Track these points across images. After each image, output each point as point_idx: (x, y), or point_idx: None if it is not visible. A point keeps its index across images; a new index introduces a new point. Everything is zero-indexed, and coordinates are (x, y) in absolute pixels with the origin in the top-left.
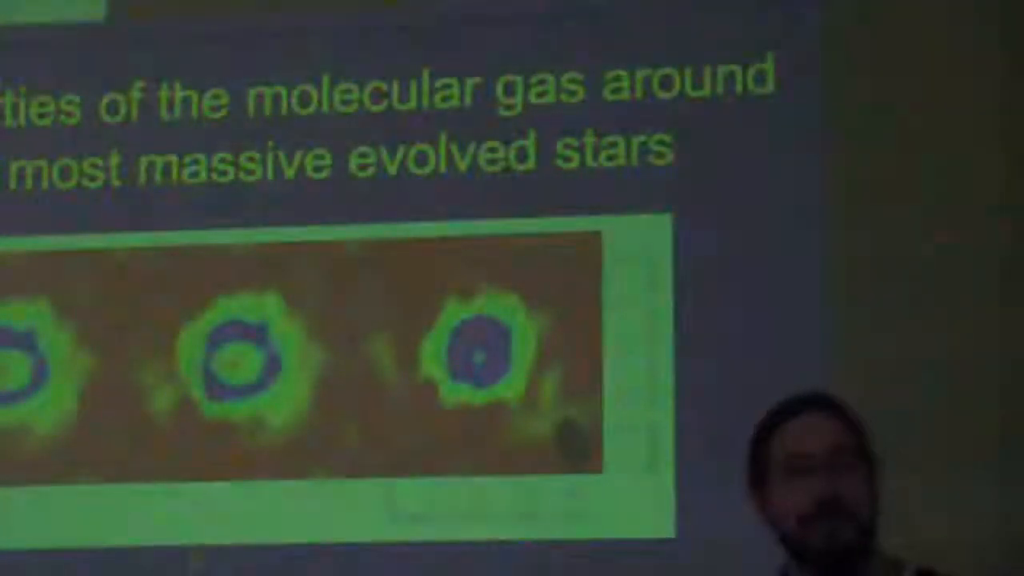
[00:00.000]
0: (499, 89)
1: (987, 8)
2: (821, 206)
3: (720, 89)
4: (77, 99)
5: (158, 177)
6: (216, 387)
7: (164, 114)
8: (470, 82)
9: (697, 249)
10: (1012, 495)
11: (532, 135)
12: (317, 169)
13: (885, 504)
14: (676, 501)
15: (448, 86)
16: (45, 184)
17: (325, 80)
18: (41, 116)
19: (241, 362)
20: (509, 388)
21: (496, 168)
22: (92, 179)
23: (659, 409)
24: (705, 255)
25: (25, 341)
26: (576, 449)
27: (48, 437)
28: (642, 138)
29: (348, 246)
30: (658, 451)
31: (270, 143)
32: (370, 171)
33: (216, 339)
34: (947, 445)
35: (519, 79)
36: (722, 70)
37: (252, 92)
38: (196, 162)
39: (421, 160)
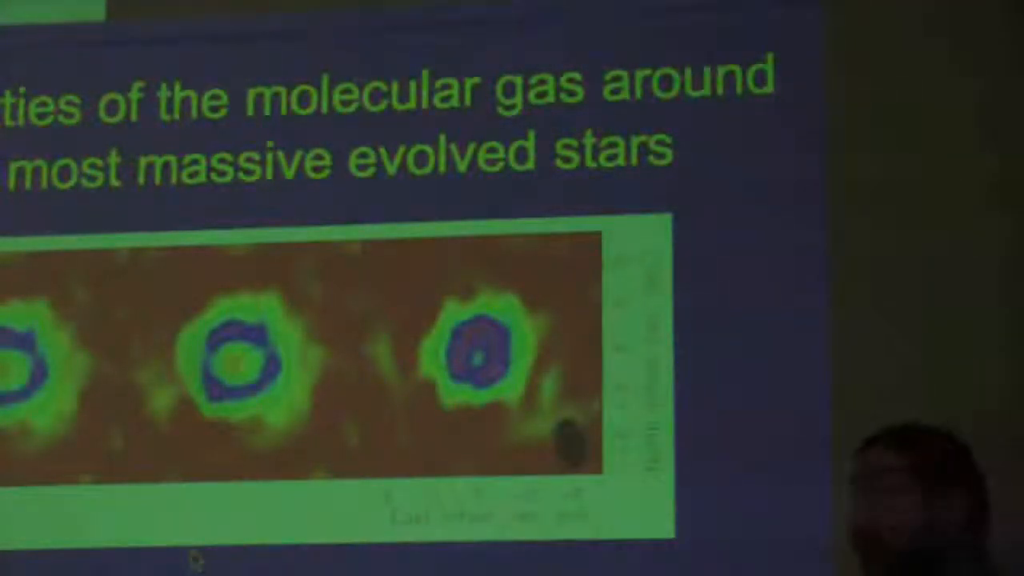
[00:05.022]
0: (499, 89)
1: (987, 8)
2: (821, 206)
3: (720, 89)
4: (77, 99)
5: (157, 177)
6: (215, 387)
7: (163, 114)
8: (470, 82)
9: (697, 249)
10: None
11: (532, 135)
12: (317, 169)
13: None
14: (676, 501)
15: (448, 86)
16: (45, 184)
17: (325, 80)
18: (41, 116)
19: (240, 362)
20: (508, 388)
21: (496, 168)
22: (91, 179)
23: (659, 409)
24: (705, 255)
25: (24, 341)
26: (575, 449)
27: (47, 437)
28: (642, 138)
29: (348, 246)
30: (658, 451)
31: (269, 143)
32: (370, 171)
33: (215, 339)
34: None
35: (519, 79)
36: (722, 70)
37: (252, 92)
38: (196, 162)
39: (421, 160)
